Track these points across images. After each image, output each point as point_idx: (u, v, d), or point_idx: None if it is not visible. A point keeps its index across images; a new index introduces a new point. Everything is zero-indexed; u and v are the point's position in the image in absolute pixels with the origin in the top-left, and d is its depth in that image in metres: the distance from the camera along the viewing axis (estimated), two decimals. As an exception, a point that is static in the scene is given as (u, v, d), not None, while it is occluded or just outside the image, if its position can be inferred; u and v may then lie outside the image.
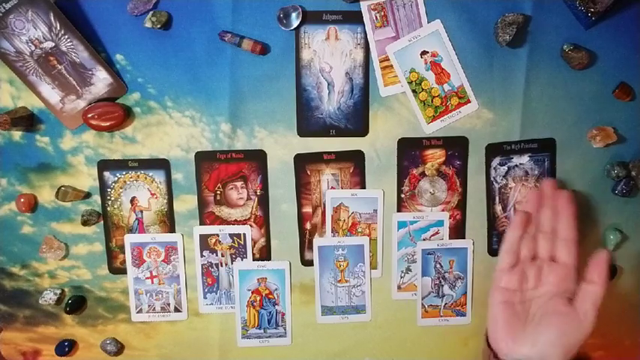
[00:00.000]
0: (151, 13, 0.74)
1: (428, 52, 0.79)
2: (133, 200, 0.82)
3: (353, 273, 0.86)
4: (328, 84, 0.80)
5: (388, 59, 0.79)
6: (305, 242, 0.85)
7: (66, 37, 0.74)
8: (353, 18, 0.78)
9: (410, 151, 0.82)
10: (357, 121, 0.81)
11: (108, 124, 0.77)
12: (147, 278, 0.85)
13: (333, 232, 0.84)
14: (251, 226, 0.84)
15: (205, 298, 0.86)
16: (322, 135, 0.81)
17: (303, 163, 0.82)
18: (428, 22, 0.78)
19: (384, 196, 0.83)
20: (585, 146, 0.82)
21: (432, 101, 0.80)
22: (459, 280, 0.87)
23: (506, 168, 0.83)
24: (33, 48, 0.74)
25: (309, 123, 0.81)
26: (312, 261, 0.85)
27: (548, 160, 0.83)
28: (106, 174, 0.81)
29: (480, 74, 0.79)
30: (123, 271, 0.84)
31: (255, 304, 0.86)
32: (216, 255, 0.84)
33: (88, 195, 0.82)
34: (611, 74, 0.80)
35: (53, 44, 0.74)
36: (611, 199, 0.85)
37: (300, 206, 0.83)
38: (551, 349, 0.62)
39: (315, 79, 0.79)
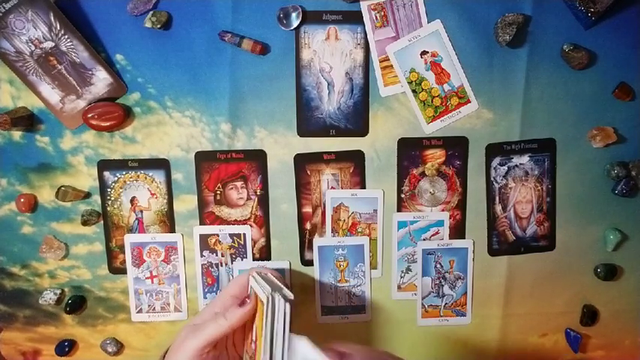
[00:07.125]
0: (151, 13, 0.74)
1: (428, 52, 0.79)
2: (132, 200, 0.82)
3: (353, 273, 0.86)
4: (328, 84, 0.80)
5: (388, 59, 0.79)
6: (305, 242, 0.85)
7: (66, 37, 0.74)
8: (353, 18, 0.78)
9: (410, 151, 0.82)
10: (357, 121, 0.81)
11: (108, 124, 0.77)
12: (147, 278, 0.85)
13: (333, 232, 0.84)
14: (251, 226, 0.84)
15: (205, 298, 0.86)
16: (322, 135, 0.81)
17: (303, 163, 0.82)
18: (428, 22, 0.78)
19: (384, 196, 0.83)
20: (585, 146, 0.82)
21: (432, 101, 0.80)
22: (459, 280, 0.86)
23: (506, 168, 0.83)
24: (33, 48, 0.74)
25: (309, 123, 0.81)
26: (312, 261, 0.85)
27: (548, 160, 0.83)
28: (106, 174, 0.81)
29: (480, 74, 0.79)
30: (123, 271, 0.84)
31: (255, 304, 0.86)
32: (216, 255, 0.84)
33: (88, 195, 0.82)
34: (611, 74, 0.80)
35: (53, 44, 0.74)
36: (611, 199, 0.84)
37: (300, 206, 0.83)
38: None
39: (315, 79, 0.79)
